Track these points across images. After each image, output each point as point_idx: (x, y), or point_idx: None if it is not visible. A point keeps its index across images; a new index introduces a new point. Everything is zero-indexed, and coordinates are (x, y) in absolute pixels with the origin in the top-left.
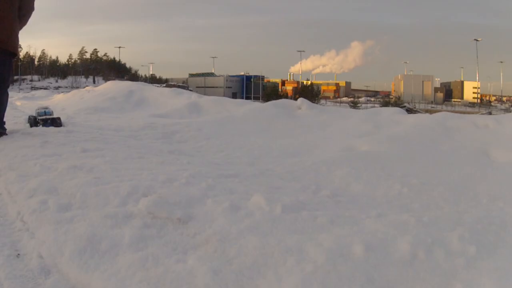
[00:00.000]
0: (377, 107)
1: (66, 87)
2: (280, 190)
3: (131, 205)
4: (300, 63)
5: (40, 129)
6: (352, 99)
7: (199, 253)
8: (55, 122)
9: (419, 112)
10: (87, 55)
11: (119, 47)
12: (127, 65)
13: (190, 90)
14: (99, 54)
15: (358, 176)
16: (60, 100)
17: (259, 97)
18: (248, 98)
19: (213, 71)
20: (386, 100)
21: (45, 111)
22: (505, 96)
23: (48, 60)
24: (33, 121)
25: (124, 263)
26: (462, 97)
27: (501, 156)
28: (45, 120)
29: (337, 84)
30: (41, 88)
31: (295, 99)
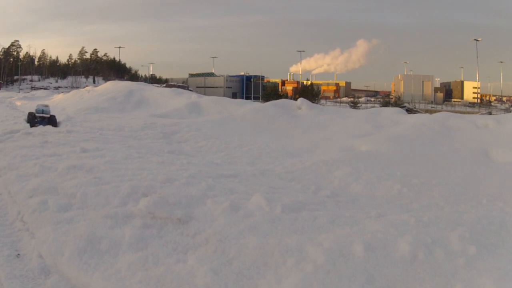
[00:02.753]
0: (377, 107)
1: (66, 87)
2: (280, 190)
3: (131, 205)
4: (300, 63)
5: (40, 129)
6: (352, 99)
7: (199, 253)
8: (52, 121)
9: (419, 112)
10: (87, 55)
11: (119, 47)
12: (127, 65)
13: (190, 90)
14: (99, 54)
15: (358, 176)
16: (60, 100)
17: (259, 97)
18: (248, 98)
19: (213, 71)
20: (386, 100)
21: (43, 109)
22: (505, 96)
23: (48, 60)
24: (32, 118)
25: (124, 263)
26: (462, 97)
27: (501, 156)
28: (42, 117)
29: (337, 84)
30: (41, 88)
31: (295, 99)
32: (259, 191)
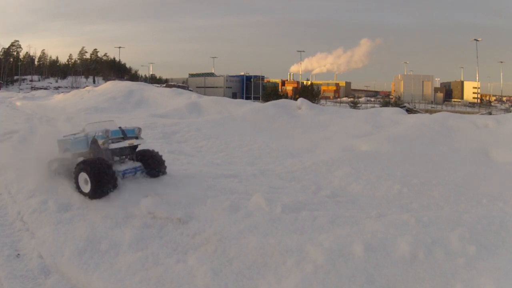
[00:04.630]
0: (377, 107)
1: (66, 87)
2: (280, 190)
3: (131, 205)
4: (300, 63)
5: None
6: (352, 99)
7: (199, 253)
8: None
9: (419, 112)
10: (87, 55)
11: (119, 47)
12: (127, 65)
13: (190, 90)
14: (99, 54)
15: (358, 176)
16: (60, 100)
17: (259, 97)
18: (248, 98)
19: (213, 71)
20: (386, 100)
21: (122, 130)
22: (505, 96)
23: (48, 60)
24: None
25: (124, 263)
26: (462, 97)
27: (501, 156)
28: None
29: (337, 84)
30: (41, 88)
31: (295, 99)
32: (259, 191)
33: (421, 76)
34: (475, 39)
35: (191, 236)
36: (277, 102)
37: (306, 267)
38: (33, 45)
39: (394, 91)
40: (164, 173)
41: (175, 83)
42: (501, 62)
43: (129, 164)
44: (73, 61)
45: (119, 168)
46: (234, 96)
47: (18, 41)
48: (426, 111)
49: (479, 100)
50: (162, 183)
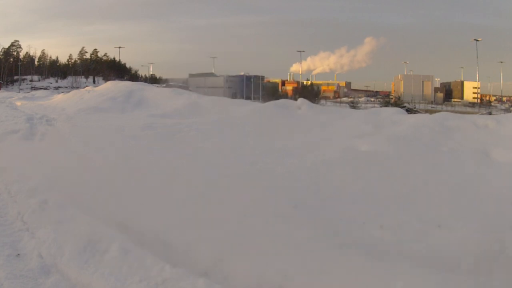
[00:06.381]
0: (377, 107)
1: (66, 87)
2: (280, 190)
3: None
4: (300, 63)
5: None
6: (352, 99)
7: None
8: None
9: (419, 112)
10: (87, 55)
11: (119, 47)
12: (127, 65)
13: (190, 91)
14: (99, 54)
15: (358, 176)
16: (60, 100)
17: (259, 97)
18: (248, 98)
19: (213, 71)
20: (386, 100)
21: None
22: (505, 96)
23: (48, 60)
24: None
25: (124, 263)
26: (462, 97)
27: (501, 156)
28: None
29: (337, 84)
30: (41, 88)
31: (295, 99)
32: (259, 191)
33: (421, 76)
34: (475, 39)
35: None
36: (277, 102)
37: None
38: (33, 45)
39: (394, 91)
40: None
41: (175, 83)
42: (501, 62)
43: None
44: (73, 61)
45: None
46: (234, 96)
47: (18, 41)
48: (426, 111)
49: (479, 100)
50: None
